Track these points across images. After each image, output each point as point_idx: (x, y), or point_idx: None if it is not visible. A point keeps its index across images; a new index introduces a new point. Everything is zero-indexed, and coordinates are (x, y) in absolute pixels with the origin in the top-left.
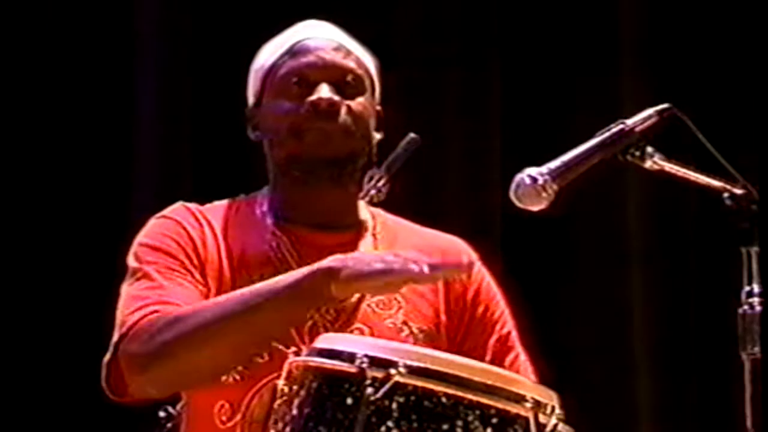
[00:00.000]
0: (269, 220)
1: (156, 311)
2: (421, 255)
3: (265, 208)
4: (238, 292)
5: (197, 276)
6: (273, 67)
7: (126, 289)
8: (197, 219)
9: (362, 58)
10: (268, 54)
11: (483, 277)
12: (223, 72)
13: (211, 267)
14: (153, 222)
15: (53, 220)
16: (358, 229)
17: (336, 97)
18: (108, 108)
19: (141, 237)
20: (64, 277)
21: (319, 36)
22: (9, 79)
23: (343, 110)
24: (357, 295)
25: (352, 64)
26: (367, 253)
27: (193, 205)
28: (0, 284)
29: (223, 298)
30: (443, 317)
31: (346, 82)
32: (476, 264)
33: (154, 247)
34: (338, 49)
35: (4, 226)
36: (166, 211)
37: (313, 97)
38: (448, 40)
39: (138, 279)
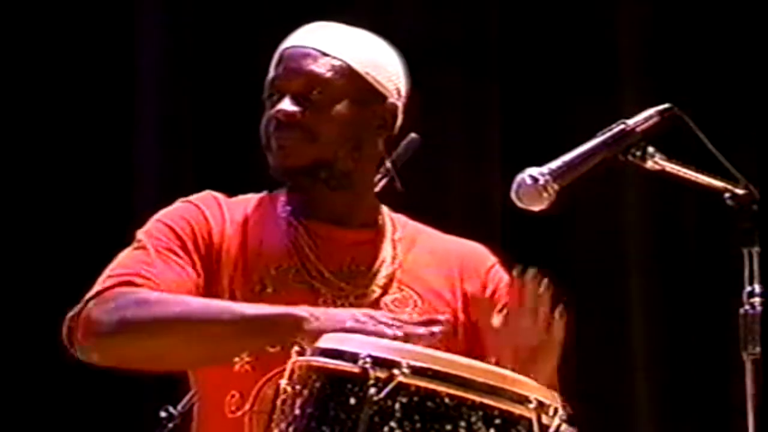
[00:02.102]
0: (288, 215)
1: (134, 283)
2: (395, 320)
3: (284, 203)
4: (208, 300)
5: (198, 265)
6: (268, 78)
7: (121, 254)
8: (220, 208)
9: (345, 59)
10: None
11: (501, 277)
12: (224, 72)
13: (228, 256)
14: (177, 204)
15: (55, 220)
16: (376, 230)
17: (293, 109)
18: (109, 109)
19: (159, 213)
20: (66, 278)
21: (298, 42)
22: (13, 81)
23: (305, 120)
24: (376, 293)
25: (319, 70)
26: (341, 312)
27: (219, 195)
28: (2, 284)
29: (192, 299)
30: (461, 316)
31: (313, 90)
32: (495, 266)
33: (166, 225)
34: (308, 55)
35: (4, 228)
36: (192, 197)
37: (272, 111)
38: (449, 40)
39: (135, 249)
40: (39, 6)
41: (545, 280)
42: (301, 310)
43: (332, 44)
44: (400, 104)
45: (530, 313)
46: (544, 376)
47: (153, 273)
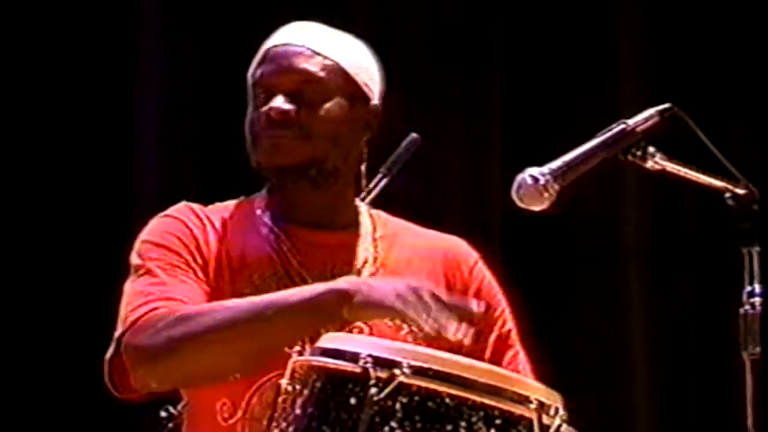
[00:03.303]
0: (268, 220)
1: (159, 307)
2: (436, 294)
3: (263, 208)
4: (250, 298)
5: (200, 274)
6: (252, 75)
7: (129, 285)
8: (200, 218)
9: (336, 59)
10: (255, 60)
11: (484, 275)
12: (225, 72)
13: (213, 266)
14: (156, 220)
15: (55, 222)
16: (356, 231)
17: (288, 107)
18: (109, 110)
19: (144, 235)
20: (66, 279)
21: (288, 41)
22: (13, 82)
23: (300, 118)
24: None
25: (313, 69)
26: (386, 282)
27: (195, 205)
28: (1, 286)
29: (233, 302)
30: None
31: (306, 88)
32: (478, 262)
33: (157, 244)
34: (301, 54)
35: (4, 229)
36: (169, 210)
37: (265, 108)
38: (449, 40)
39: (141, 275)
40: (40, 11)
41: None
42: (343, 283)
43: (323, 44)
44: (380, 107)
45: None
46: None
47: (170, 292)
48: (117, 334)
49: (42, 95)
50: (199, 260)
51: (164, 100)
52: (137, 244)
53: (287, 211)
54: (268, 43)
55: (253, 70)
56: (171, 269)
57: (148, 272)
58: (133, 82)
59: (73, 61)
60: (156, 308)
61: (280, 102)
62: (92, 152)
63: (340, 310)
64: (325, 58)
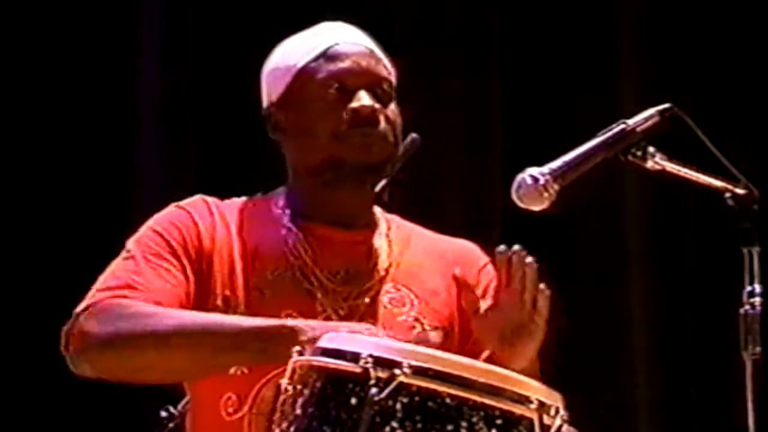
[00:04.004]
0: (285, 217)
1: (123, 295)
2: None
3: (281, 205)
4: (202, 314)
5: (188, 269)
6: (304, 69)
7: (112, 264)
8: (211, 212)
9: (388, 64)
10: (296, 55)
11: (492, 277)
12: (225, 72)
13: (220, 260)
14: (168, 209)
15: (55, 221)
16: (372, 228)
17: (377, 105)
18: (109, 109)
19: (150, 220)
20: (66, 279)
21: (351, 40)
22: (14, 81)
23: (382, 118)
24: (372, 293)
25: (384, 71)
26: (337, 324)
27: (210, 199)
28: (1, 285)
29: (187, 313)
30: (456, 315)
31: (381, 89)
32: (487, 265)
33: (155, 231)
34: (371, 55)
35: (4, 230)
36: (183, 202)
37: (356, 105)
38: (449, 40)
39: (125, 259)
40: (41, 10)
41: (530, 257)
42: (297, 322)
43: (377, 47)
44: None
45: (516, 291)
46: (528, 355)
47: (142, 282)
48: (78, 309)
49: (43, 95)
50: (192, 254)
51: (164, 100)
52: (142, 227)
53: (308, 209)
54: (326, 40)
55: (305, 64)
56: (156, 259)
57: (132, 258)
58: (133, 82)
59: (74, 60)
60: (118, 295)
61: (368, 100)
62: (92, 151)
63: (289, 346)
64: (384, 61)
